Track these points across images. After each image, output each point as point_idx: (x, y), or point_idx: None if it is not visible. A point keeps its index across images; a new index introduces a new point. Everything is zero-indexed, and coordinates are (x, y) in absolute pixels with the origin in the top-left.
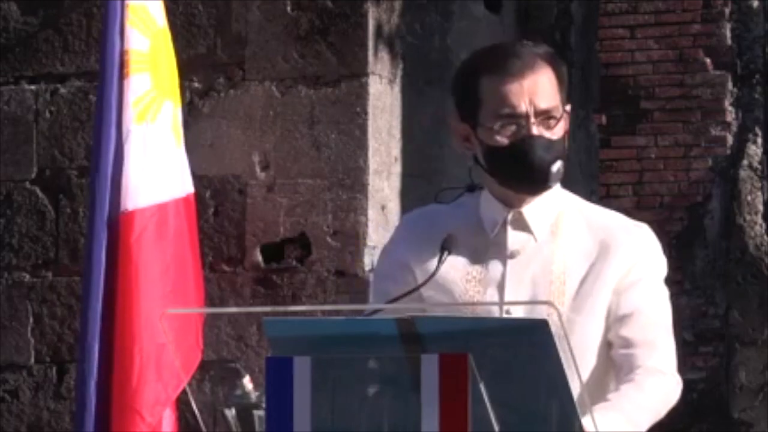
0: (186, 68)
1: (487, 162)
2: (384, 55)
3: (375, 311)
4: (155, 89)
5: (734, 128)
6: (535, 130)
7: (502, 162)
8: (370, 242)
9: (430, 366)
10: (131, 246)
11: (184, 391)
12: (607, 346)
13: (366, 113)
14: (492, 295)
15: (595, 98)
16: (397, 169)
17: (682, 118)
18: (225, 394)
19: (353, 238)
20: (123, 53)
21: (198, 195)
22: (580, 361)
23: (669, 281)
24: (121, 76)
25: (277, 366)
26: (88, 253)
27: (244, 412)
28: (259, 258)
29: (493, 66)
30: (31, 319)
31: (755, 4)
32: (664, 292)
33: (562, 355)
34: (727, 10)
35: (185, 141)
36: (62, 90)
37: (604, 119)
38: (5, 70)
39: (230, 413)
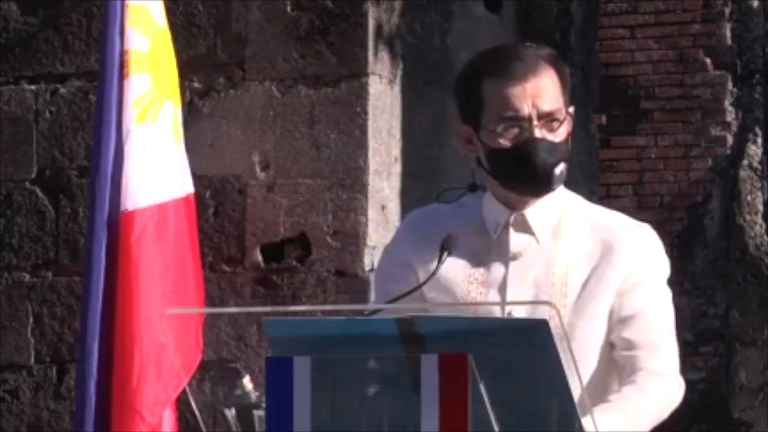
0: (186, 68)
1: (489, 164)
2: (384, 55)
3: (375, 311)
4: (155, 89)
5: (734, 128)
6: (538, 132)
7: (505, 164)
8: (370, 242)
9: (430, 366)
10: (131, 246)
11: (184, 391)
12: (609, 347)
13: (366, 113)
14: (494, 297)
15: (595, 98)
16: (397, 169)
17: (682, 118)
18: (225, 394)
19: (353, 238)
20: (123, 53)
21: (198, 195)
22: (581, 362)
23: (669, 281)
24: (121, 76)
25: (277, 366)
26: (88, 253)
27: (244, 412)
28: (259, 258)
29: (496, 69)
30: (31, 319)
31: (755, 4)
32: (667, 294)
33: (562, 355)
34: (727, 10)
35: (185, 141)
36: (62, 90)
37: (604, 119)
38: (5, 70)
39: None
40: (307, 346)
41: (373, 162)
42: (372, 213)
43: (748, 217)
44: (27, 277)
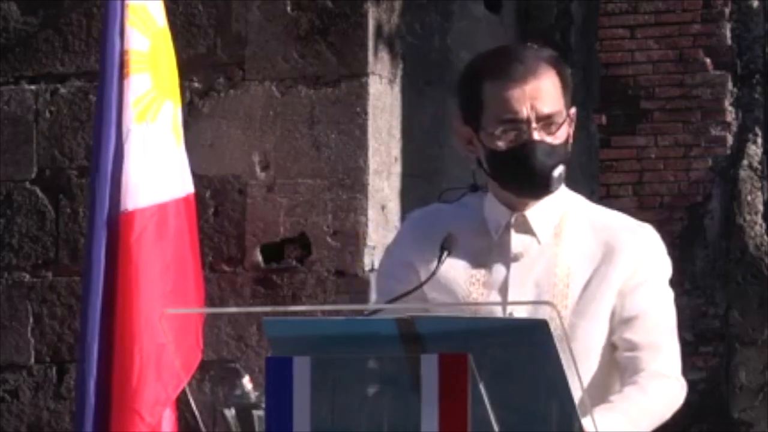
0: (186, 68)
1: (489, 166)
2: (384, 55)
3: (375, 311)
4: (155, 89)
5: (734, 128)
6: (537, 135)
7: (504, 166)
8: (370, 242)
9: (429, 366)
10: (131, 246)
11: (183, 391)
12: (610, 348)
13: (366, 113)
14: (495, 298)
15: (595, 98)
16: (397, 169)
17: (682, 118)
18: (225, 394)
19: (353, 238)
20: (123, 53)
21: (198, 195)
22: (582, 363)
23: (670, 281)
24: (121, 76)
25: (277, 366)
26: (88, 253)
27: (244, 412)
28: (259, 258)
29: (496, 70)
30: (31, 319)
31: (755, 4)
32: (669, 294)
33: (562, 355)
34: (727, 10)
35: (185, 141)
36: (62, 90)
37: (604, 119)
38: (5, 70)
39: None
40: (307, 346)
41: (373, 162)
42: (372, 213)
43: (748, 217)
44: (27, 277)
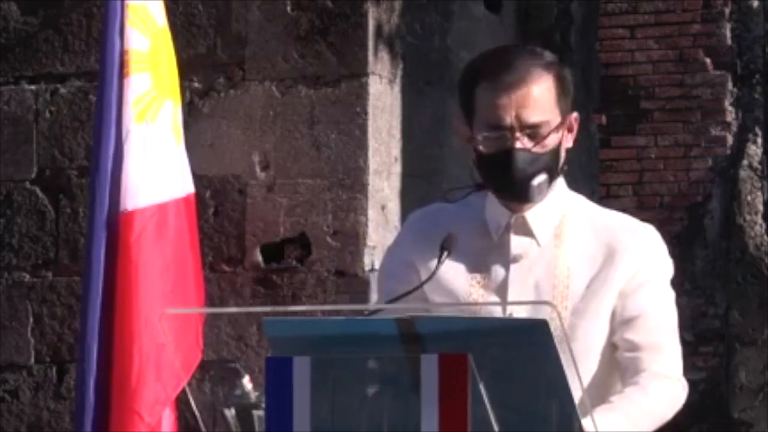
0: (186, 68)
1: (478, 167)
2: (384, 55)
3: (375, 311)
4: (155, 89)
5: (734, 128)
6: (520, 143)
7: (488, 171)
8: (370, 242)
9: (429, 366)
10: (131, 246)
11: (183, 391)
12: (610, 348)
13: (366, 113)
14: (494, 299)
15: (595, 98)
16: (397, 169)
17: (682, 118)
18: (225, 394)
19: (353, 238)
20: (123, 53)
21: (198, 195)
22: (582, 363)
23: (671, 282)
24: (121, 76)
25: (277, 366)
26: (87, 253)
27: (244, 412)
28: (259, 258)
29: (489, 75)
30: (31, 319)
31: (755, 4)
32: (671, 295)
33: (562, 355)
34: (727, 10)
35: (185, 141)
36: (62, 90)
37: (604, 119)
38: (5, 70)
39: (230, 413)
40: (307, 346)
41: (373, 162)
42: (372, 213)
43: (748, 217)
44: (27, 277)
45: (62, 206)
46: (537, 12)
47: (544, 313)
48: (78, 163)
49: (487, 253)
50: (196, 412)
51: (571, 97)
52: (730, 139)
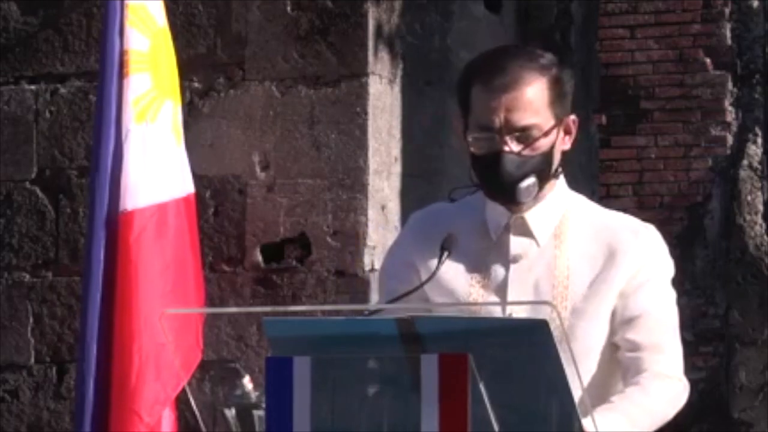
0: (186, 68)
1: (472, 168)
2: (384, 55)
3: (375, 311)
4: (155, 89)
5: (734, 128)
6: (508, 146)
7: (479, 172)
8: (370, 242)
9: (429, 366)
10: (131, 246)
11: (183, 391)
12: (610, 348)
13: (366, 113)
14: (494, 300)
15: (595, 98)
16: (397, 169)
17: (682, 118)
18: (225, 394)
19: (353, 238)
20: (123, 53)
21: (198, 195)
22: (582, 363)
23: (671, 281)
24: (121, 76)
25: (277, 366)
26: (87, 253)
27: (244, 412)
28: (259, 258)
29: (482, 76)
30: (31, 319)
31: (755, 4)
32: (671, 295)
33: (562, 355)
34: (727, 10)
35: (185, 141)
36: (62, 90)
37: (604, 119)
38: (5, 70)
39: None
40: (307, 346)
41: (373, 162)
42: (372, 213)
43: (748, 217)
44: (27, 277)
45: (62, 206)
46: (537, 12)
47: (543, 313)
48: (78, 163)
49: (487, 253)
50: (196, 412)
51: (569, 100)
52: (730, 139)
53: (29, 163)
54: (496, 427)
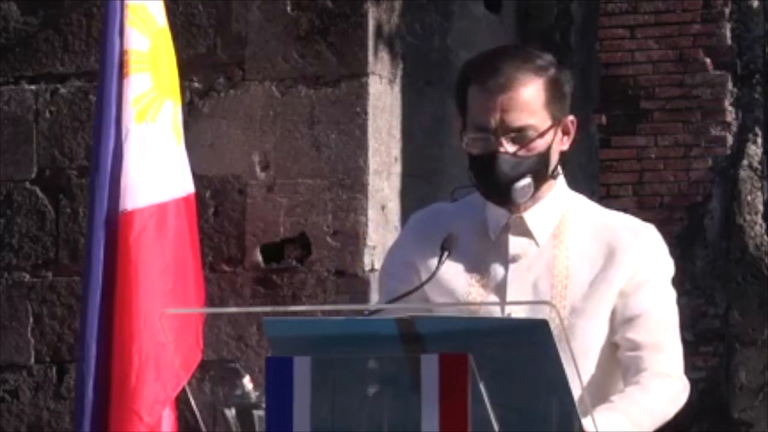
0: (186, 68)
1: (469, 168)
2: (384, 55)
3: (375, 311)
4: (155, 89)
5: (734, 128)
6: (503, 147)
7: (475, 172)
8: (370, 242)
9: (430, 366)
10: (131, 246)
11: (183, 391)
12: (610, 348)
13: (366, 113)
14: (493, 299)
15: (595, 98)
16: (397, 169)
17: (682, 118)
18: (225, 394)
19: (353, 238)
20: (123, 53)
21: (198, 195)
22: (581, 363)
23: (671, 281)
24: (121, 76)
25: (277, 366)
26: (87, 253)
27: (244, 412)
28: (259, 258)
29: (478, 77)
30: (31, 319)
31: (755, 4)
32: (671, 294)
33: (562, 355)
34: (727, 10)
35: (185, 141)
36: (62, 90)
37: (604, 119)
38: (5, 70)
39: (230, 413)
40: (307, 346)
41: (373, 162)
42: (372, 213)
43: (748, 217)
44: (27, 277)
45: (62, 206)
46: (537, 12)
47: (543, 313)
48: (78, 163)
49: (486, 253)
50: (196, 412)
51: (567, 101)
52: (730, 139)
53: (29, 163)
54: (496, 427)
